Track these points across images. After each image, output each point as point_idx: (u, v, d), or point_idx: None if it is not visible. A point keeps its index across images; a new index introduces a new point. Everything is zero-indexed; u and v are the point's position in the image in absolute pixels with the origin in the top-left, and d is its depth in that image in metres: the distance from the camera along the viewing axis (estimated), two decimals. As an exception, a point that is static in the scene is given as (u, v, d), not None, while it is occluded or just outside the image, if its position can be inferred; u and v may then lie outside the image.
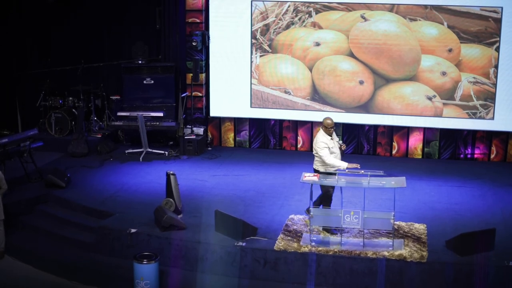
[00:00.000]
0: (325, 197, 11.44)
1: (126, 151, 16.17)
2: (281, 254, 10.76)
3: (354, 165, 11.12)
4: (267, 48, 16.51)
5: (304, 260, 10.70)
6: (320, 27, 16.24)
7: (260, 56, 16.58)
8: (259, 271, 10.81)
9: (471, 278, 10.43)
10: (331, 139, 11.34)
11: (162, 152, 16.10)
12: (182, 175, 13.75)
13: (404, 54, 15.99)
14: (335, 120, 15.95)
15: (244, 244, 10.92)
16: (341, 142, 11.58)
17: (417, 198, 13.41)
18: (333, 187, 11.30)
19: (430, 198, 13.49)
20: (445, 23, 15.76)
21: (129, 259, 10.64)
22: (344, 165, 11.10)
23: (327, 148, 11.18)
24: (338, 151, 11.38)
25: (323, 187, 11.33)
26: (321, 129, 11.41)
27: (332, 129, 11.37)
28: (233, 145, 17.26)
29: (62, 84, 17.67)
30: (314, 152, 11.45)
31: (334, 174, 11.05)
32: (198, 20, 16.65)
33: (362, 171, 10.99)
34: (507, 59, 15.71)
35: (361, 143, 16.51)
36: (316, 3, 16.09)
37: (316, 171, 11.36)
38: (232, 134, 17.23)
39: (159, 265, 10.52)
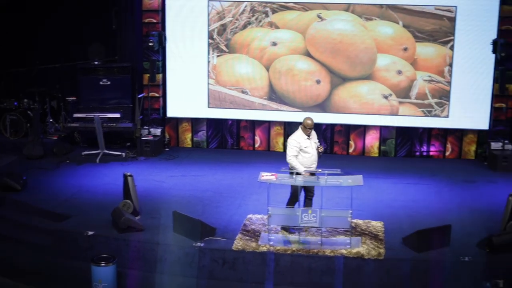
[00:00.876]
0: (293, 196, 11.44)
1: (83, 153, 16.03)
2: (239, 254, 10.75)
3: (307, 174, 11.13)
4: (224, 48, 16.51)
5: (263, 259, 10.70)
6: (277, 27, 16.29)
7: (217, 56, 16.57)
8: (218, 271, 10.79)
9: (427, 274, 10.54)
10: (308, 139, 11.31)
11: (119, 153, 15.99)
12: (140, 176, 13.68)
13: (360, 53, 16.12)
14: (292, 120, 16.24)
15: (202, 244, 10.89)
16: (319, 144, 11.54)
17: (374, 196, 13.51)
18: (300, 187, 11.29)
19: (386, 195, 13.61)
20: (401, 22, 15.92)
21: (87, 262, 10.54)
22: (301, 169, 11.10)
23: (296, 148, 11.18)
24: (314, 152, 11.33)
25: (292, 186, 11.35)
26: (300, 128, 11.40)
27: (310, 130, 11.32)
28: (190, 146, 17.23)
29: (17, 85, 17.46)
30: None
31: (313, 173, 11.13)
32: (154, 20, 16.58)
33: (320, 170, 11.03)
34: (462, 57, 15.94)
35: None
36: (273, 3, 16.14)
37: (291, 169, 11.34)
38: (190, 135, 17.20)
39: (117, 267, 10.42)
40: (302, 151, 11.21)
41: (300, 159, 11.20)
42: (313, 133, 11.48)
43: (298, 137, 11.28)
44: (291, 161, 11.16)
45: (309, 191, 11.41)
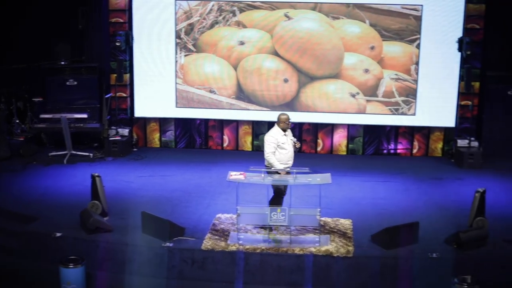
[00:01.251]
0: (277, 195, 11.44)
1: (50, 154, 15.89)
2: (208, 254, 10.73)
3: (284, 173, 11.15)
4: (192, 47, 16.48)
5: (232, 258, 10.70)
6: (244, 26, 16.29)
7: (185, 55, 16.54)
8: (187, 271, 10.77)
9: (396, 271, 10.62)
10: (285, 135, 11.33)
11: (87, 154, 15.88)
12: (108, 177, 13.59)
13: (328, 52, 16.18)
14: (261, 119, 16.27)
15: (171, 244, 10.86)
16: (295, 139, 11.55)
17: (342, 194, 13.58)
18: (284, 186, 11.31)
19: (355, 193, 13.68)
20: (367, 21, 16.01)
21: (55, 264, 10.46)
22: (279, 168, 11.13)
23: (273, 144, 11.19)
24: (290, 148, 11.36)
25: (275, 186, 11.33)
26: (276, 126, 11.40)
27: (287, 124, 11.34)
28: (158, 146, 17.18)
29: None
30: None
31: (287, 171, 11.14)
32: (121, 20, 16.50)
33: (288, 169, 11.06)
34: (428, 56, 16.08)
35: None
36: (240, 2, 16.14)
37: (267, 167, 11.32)
38: (158, 135, 17.15)
39: (86, 269, 10.35)
40: (279, 147, 11.23)
41: (277, 155, 11.22)
42: (289, 130, 11.50)
43: (275, 133, 11.29)
44: (269, 158, 11.17)
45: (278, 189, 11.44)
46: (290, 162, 11.36)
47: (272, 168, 11.15)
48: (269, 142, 11.22)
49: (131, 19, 16.49)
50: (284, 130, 11.34)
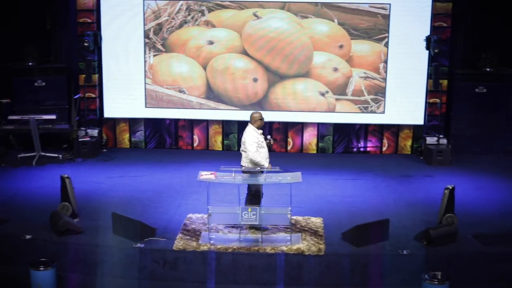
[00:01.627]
0: (256, 195, 11.45)
1: (18, 156, 15.75)
2: (180, 254, 10.71)
3: (270, 167, 11.23)
4: (161, 47, 16.43)
5: (204, 258, 10.69)
6: (213, 26, 16.28)
7: (154, 55, 16.49)
8: (159, 272, 10.74)
9: (367, 268, 10.68)
10: (261, 134, 11.40)
11: (56, 155, 15.77)
12: (78, 178, 13.48)
13: (297, 51, 16.22)
14: (231, 118, 16.28)
15: (142, 245, 10.82)
16: (269, 137, 11.59)
17: (313, 192, 13.62)
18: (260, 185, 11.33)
19: (325, 192, 13.74)
20: (336, 20, 16.08)
21: (25, 266, 10.38)
22: (266, 165, 11.18)
23: (256, 144, 11.19)
24: (266, 147, 11.41)
25: (252, 185, 11.33)
26: (250, 125, 11.40)
27: (262, 122, 11.40)
28: (128, 146, 17.10)
29: None
30: (242, 148, 11.39)
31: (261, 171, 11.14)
32: (89, 20, 16.38)
33: (258, 168, 11.08)
34: (396, 54, 16.20)
35: (257, 140, 16.63)
36: (209, 1, 16.13)
37: (244, 167, 11.31)
38: (127, 135, 17.07)
39: (57, 271, 10.28)
40: (259, 146, 11.28)
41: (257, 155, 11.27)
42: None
43: (253, 133, 11.30)
44: (255, 158, 11.15)
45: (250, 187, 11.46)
46: (268, 160, 11.39)
47: (259, 167, 11.14)
48: (251, 142, 11.21)
49: (99, 19, 16.39)
50: (259, 129, 11.37)
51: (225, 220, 11.16)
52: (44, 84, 16.48)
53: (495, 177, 14.86)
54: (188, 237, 11.13)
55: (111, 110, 16.79)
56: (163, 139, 17.03)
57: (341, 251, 10.82)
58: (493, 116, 16.49)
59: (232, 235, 11.20)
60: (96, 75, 16.57)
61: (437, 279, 10.03)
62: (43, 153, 15.66)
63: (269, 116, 16.20)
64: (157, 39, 16.38)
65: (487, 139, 16.56)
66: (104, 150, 16.66)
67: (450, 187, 11.63)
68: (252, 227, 11.38)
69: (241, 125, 16.63)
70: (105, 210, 12.05)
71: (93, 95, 16.69)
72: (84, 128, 16.42)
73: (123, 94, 16.64)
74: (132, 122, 16.99)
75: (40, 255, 10.56)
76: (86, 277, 10.77)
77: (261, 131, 11.42)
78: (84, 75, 16.38)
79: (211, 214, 10.88)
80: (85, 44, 15.97)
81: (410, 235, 11.40)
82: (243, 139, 11.39)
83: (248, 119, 15.42)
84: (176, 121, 16.90)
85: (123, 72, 16.54)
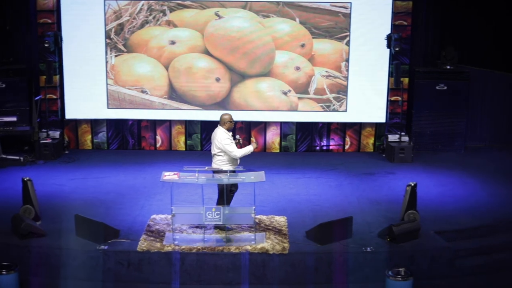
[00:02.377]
0: (228, 195, 11.49)
1: (-21, 159, 15.60)
2: (144, 255, 10.68)
3: (254, 144, 11.63)
4: (122, 47, 16.34)
5: (168, 259, 10.67)
6: (175, 26, 16.23)
7: (115, 56, 16.39)
8: (123, 273, 10.70)
9: (331, 266, 10.75)
10: (231, 135, 11.47)
11: (17, 157, 15.58)
12: (40, 180, 13.38)
13: (259, 50, 16.25)
14: (193, 118, 16.26)
15: (106, 247, 10.77)
16: (238, 137, 11.62)
17: (277, 191, 13.66)
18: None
19: (289, 190, 13.79)
20: (297, 19, 16.13)
21: (-13, 270, 10.28)
22: (251, 148, 11.46)
23: (230, 141, 11.28)
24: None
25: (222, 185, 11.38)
26: (220, 127, 11.42)
27: (232, 123, 11.45)
28: (91, 147, 16.96)
29: None
30: (215, 151, 11.39)
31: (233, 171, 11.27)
32: (50, 21, 16.22)
33: (222, 168, 11.10)
34: (357, 52, 16.30)
35: (220, 140, 16.62)
36: (170, 1, 16.07)
37: (217, 170, 11.31)
38: (90, 136, 16.94)
39: (20, 275, 10.20)
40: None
41: (226, 156, 11.32)
42: None
43: (225, 134, 11.34)
44: (238, 153, 11.29)
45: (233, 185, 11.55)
46: (238, 160, 11.49)
47: (244, 153, 11.35)
48: (228, 142, 11.26)
49: (60, 20, 16.24)
50: (229, 131, 11.43)
51: (189, 220, 11.17)
52: (4, 85, 16.24)
53: (456, 174, 15.03)
54: (152, 238, 11.10)
55: (72, 111, 16.65)
56: (126, 140, 16.94)
57: (305, 249, 10.87)
58: (454, 113, 16.66)
59: (196, 235, 11.20)
60: (57, 76, 16.42)
61: (401, 276, 10.13)
62: (4, 156, 15.48)
63: (232, 115, 16.22)
64: (118, 39, 16.28)
65: (448, 136, 16.75)
66: (66, 152, 16.51)
67: (412, 184, 11.74)
68: (217, 227, 11.40)
69: (204, 125, 16.64)
70: (68, 212, 11.96)
71: (54, 97, 16.54)
72: (45, 130, 16.26)
73: (85, 95, 16.51)
74: (94, 123, 16.87)
75: (2, 259, 10.46)
76: (50, 280, 10.70)
77: (230, 133, 11.46)
78: (45, 76, 16.21)
79: (175, 215, 10.87)
80: (46, 45, 15.82)
81: (373, 232, 11.51)
82: (216, 143, 11.37)
83: (210, 119, 15.50)
84: (138, 121, 16.81)
85: (84, 73, 16.41)
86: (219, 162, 11.36)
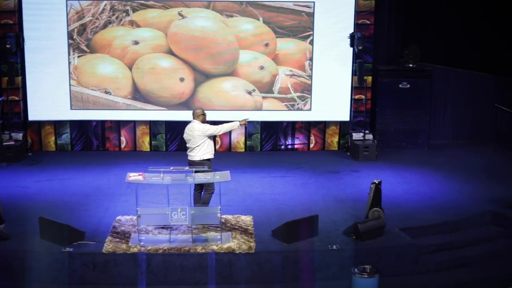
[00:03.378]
0: (197, 196, 11.81)
1: None
2: (110, 257, 10.63)
3: (243, 121, 12.17)
4: (85, 48, 16.22)
5: (134, 260, 10.63)
6: (138, 26, 16.16)
7: (78, 56, 16.26)
8: (89, 276, 10.63)
9: (297, 264, 10.79)
10: None
11: (-20, 160, 15.46)
12: (3, 183, 13.29)
13: (223, 50, 16.24)
14: (158, 119, 16.22)
15: (71, 249, 10.69)
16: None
17: (242, 190, 13.68)
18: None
19: (254, 190, 13.81)
20: (261, 19, 16.16)
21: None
22: (237, 123, 12.08)
23: (208, 125, 11.76)
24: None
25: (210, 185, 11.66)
26: (195, 120, 11.83)
27: (205, 116, 11.89)
28: (54, 149, 16.81)
29: None
30: (197, 143, 11.69)
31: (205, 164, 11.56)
32: (11, 22, 16.03)
33: (187, 168, 11.10)
34: (321, 51, 16.38)
35: (184, 140, 16.54)
36: (133, 1, 16.00)
37: (193, 162, 11.65)
38: (53, 138, 16.79)
39: (-17, 279, 10.13)
40: (210, 138, 11.81)
41: (205, 147, 11.74)
42: None
43: (201, 124, 11.79)
44: (225, 127, 11.97)
45: (207, 186, 11.73)
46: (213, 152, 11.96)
47: (229, 127, 12.00)
48: (208, 125, 11.78)
49: (21, 21, 16.07)
50: (203, 123, 11.78)
51: (155, 221, 11.13)
52: (-35, 88, 16.10)
53: (420, 171, 15.18)
54: (117, 239, 11.04)
55: (35, 113, 16.49)
56: (90, 141, 16.82)
57: (272, 248, 10.89)
58: (417, 111, 16.83)
59: (162, 236, 11.17)
60: (19, 78, 16.25)
61: (367, 273, 10.20)
62: (-34, 159, 15.33)
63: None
64: (81, 39, 16.17)
65: (411, 134, 16.91)
66: (30, 154, 16.35)
67: (376, 182, 11.84)
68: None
69: (169, 125, 16.59)
70: (32, 215, 11.85)
71: (17, 98, 16.35)
72: (8, 132, 16.09)
73: (48, 96, 16.36)
74: (58, 125, 16.72)
75: (-35, 264, 10.35)
76: (14, 284, 10.59)
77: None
78: (6, 78, 16.04)
79: (140, 216, 10.83)
80: (7, 46, 15.64)
81: (339, 230, 11.57)
82: (197, 134, 11.71)
83: (175, 119, 15.51)
84: (102, 122, 16.71)
85: (47, 74, 16.26)
86: (200, 153, 11.71)
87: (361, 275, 10.19)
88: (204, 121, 11.81)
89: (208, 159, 11.81)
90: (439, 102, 17.52)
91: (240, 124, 12.18)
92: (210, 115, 16.27)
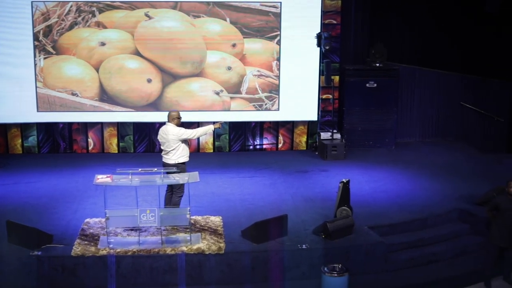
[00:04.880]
0: (168, 198, 11.76)
1: None
2: (79, 260, 10.57)
3: (217, 124, 12.09)
4: (51, 49, 16.10)
5: (103, 263, 10.58)
6: (105, 27, 16.07)
7: (44, 58, 16.13)
8: (58, 279, 10.56)
9: (267, 264, 10.81)
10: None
11: None
12: (-32, 187, 13.15)
13: (190, 50, 16.22)
14: (125, 120, 16.14)
15: (40, 253, 10.61)
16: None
17: (211, 191, 13.67)
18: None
19: (223, 190, 13.81)
20: (228, 19, 16.16)
21: None
22: (211, 127, 12.09)
23: (183, 129, 11.67)
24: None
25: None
26: (169, 123, 11.71)
27: (180, 119, 11.77)
28: (21, 152, 16.65)
29: None
30: (172, 147, 11.61)
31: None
32: (-25, 24, 15.91)
33: (155, 169, 11.06)
34: (288, 51, 16.42)
35: (152, 142, 16.54)
36: (99, 2, 15.90)
37: (168, 165, 11.55)
38: (20, 140, 16.63)
39: None
40: (185, 142, 11.71)
41: (180, 150, 11.65)
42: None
43: (176, 128, 11.69)
44: (200, 131, 11.93)
45: (176, 189, 11.71)
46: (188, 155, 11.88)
47: (204, 131, 11.93)
48: (183, 129, 11.68)
49: (-14, 22, 15.94)
50: (178, 126, 11.71)
51: (124, 223, 11.07)
52: None
53: (387, 170, 15.29)
54: (86, 242, 10.98)
55: (1, 115, 16.31)
56: (57, 143, 16.69)
57: (241, 248, 10.91)
58: (384, 109, 16.94)
59: (132, 238, 11.13)
60: (-16, 80, 16.11)
61: (336, 271, 10.26)
62: None
63: (164, 116, 16.11)
64: (47, 41, 16.04)
65: (379, 133, 17.02)
66: (-4, 157, 16.23)
67: (345, 181, 11.91)
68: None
69: (137, 127, 16.53)
70: (-1, 219, 11.76)
71: (-18, 101, 16.21)
72: (-27, 135, 15.95)
73: (14, 99, 16.20)
74: (24, 127, 16.57)
75: None
76: (-18, 289, 10.51)
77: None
78: (-29, 80, 15.90)
79: (109, 218, 10.77)
80: (-28, 48, 15.50)
81: (308, 229, 11.62)
82: (172, 138, 11.63)
83: (143, 120, 15.46)
84: (69, 124, 16.59)
85: (12, 76, 16.09)
86: (175, 157, 11.65)
87: (331, 274, 10.24)
88: (178, 124, 11.72)
89: (183, 163, 11.75)
90: (406, 101, 17.67)
91: (215, 128, 12.17)
92: (178, 116, 16.32)
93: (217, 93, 16.45)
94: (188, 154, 11.84)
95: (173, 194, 11.73)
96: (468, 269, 11.56)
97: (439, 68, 17.66)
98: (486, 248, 11.51)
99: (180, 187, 11.60)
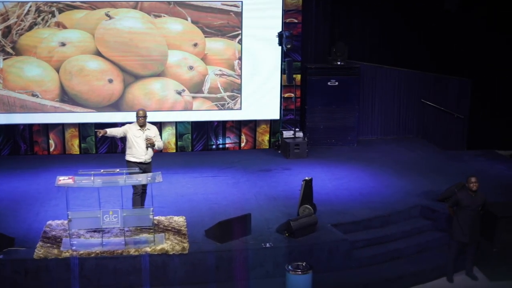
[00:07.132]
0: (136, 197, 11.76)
1: None
2: (41, 262, 10.48)
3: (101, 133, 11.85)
4: (10, 50, 15.91)
5: (66, 265, 10.50)
6: (65, 27, 15.93)
7: (4, 59, 15.94)
8: (21, 282, 10.46)
9: (232, 263, 10.83)
10: (141, 130, 11.77)
11: None
12: None
13: (151, 50, 16.16)
14: (87, 121, 16.02)
15: (1, 256, 10.50)
16: (149, 137, 11.77)
17: (175, 191, 13.64)
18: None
19: (187, 190, 13.79)
20: (189, 19, 16.13)
21: None
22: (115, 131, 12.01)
23: (121, 129, 11.83)
24: (143, 143, 11.73)
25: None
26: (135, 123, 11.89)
27: (140, 119, 11.77)
28: (-19, 154, 16.49)
29: None
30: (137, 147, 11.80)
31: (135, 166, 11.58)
32: None
33: (118, 170, 11.00)
34: (250, 50, 16.44)
35: (115, 142, 16.45)
36: (59, 2, 15.76)
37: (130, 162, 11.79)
38: (-21, 143, 16.47)
39: None
40: (134, 141, 11.70)
41: (133, 150, 11.73)
42: (153, 128, 11.99)
43: (131, 125, 11.82)
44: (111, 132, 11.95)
45: (135, 187, 11.73)
46: (143, 157, 11.76)
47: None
48: (119, 127, 11.89)
49: None
50: (140, 125, 11.78)
51: (87, 224, 10.99)
52: None
53: (350, 167, 15.39)
54: (48, 244, 10.89)
55: (-40, 117, 16.14)
56: (18, 145, 16.51)
57: (205, 248, 10.91)
58: (346, 107, 17.05)
59: (95, 240, 11.05)
60: None
61: (300, 269, 10.30)
62: None
63: (126, 117, 16.08)
64: (6, 42, 15.85)
65: (341, 131, 17.12)
66: (-45, 160, 16.01)
67: (307, 179, 11.96)
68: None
69: (98, 127, 16.36)
70: (-41, 222, 11.62)
71: None
72: None
73: (-27, 101, 16.03)
74: (-16, 129, 16.39)
75: None
76: None
77: (143, 128, 11.83)
78: None
79: (71, 220, 10.69)
80: None
81: (271, 228, 11.65)
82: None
83: (104, 121, 15.44)
84: (30, 126, 16.42)
85: (-29, 78, 15.93)
86: (148, 156, 11.96)
87: (295, 272, 10.28)
88: (140, 124, 11.75)
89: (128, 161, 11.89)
90: (367, 99, 17.80)
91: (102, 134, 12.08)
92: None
93: (179, 93, 16.41)
94: (136, 155, 11.84)
95: (135, 193, 11.71)
96: (431, 265, 11.68)
97: (400, 66, 17.82)
98: (448, 244, 11.65)
99: (145, 186, 11.63)
